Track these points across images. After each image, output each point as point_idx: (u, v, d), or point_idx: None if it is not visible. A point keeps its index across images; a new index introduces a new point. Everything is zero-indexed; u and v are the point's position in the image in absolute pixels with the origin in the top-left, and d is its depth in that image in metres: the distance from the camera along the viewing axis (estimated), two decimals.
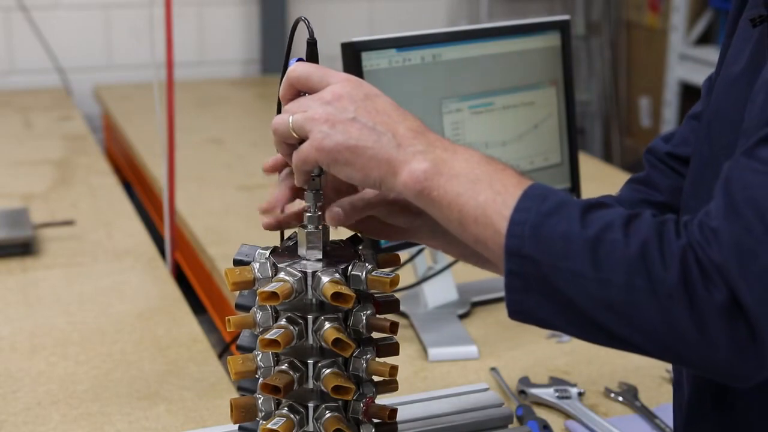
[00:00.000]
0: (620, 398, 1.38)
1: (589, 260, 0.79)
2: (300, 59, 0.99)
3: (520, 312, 0.86)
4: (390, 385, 1.06)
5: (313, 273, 0.99)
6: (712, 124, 1.00)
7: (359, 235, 1.06)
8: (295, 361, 1.00)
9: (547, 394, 1.36)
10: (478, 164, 0.88)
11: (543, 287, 0.82)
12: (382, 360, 1.03)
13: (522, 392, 1.38)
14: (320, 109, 0.90)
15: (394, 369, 1.03)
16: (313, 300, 1.00)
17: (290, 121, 0.92)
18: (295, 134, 0.92)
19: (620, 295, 0.79)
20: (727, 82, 0.98)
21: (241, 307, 1.04)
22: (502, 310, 1.70)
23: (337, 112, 0.89)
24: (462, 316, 1.62)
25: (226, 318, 1.00)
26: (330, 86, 0.92)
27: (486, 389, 1.25)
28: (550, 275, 0.81)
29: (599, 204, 0.83)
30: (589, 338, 0.85)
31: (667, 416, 1.30)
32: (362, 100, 0.90)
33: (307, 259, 1.01)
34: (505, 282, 0.84)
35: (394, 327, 1.01)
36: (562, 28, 1.66)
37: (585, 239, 0.80)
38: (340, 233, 1.09)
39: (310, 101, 0.92)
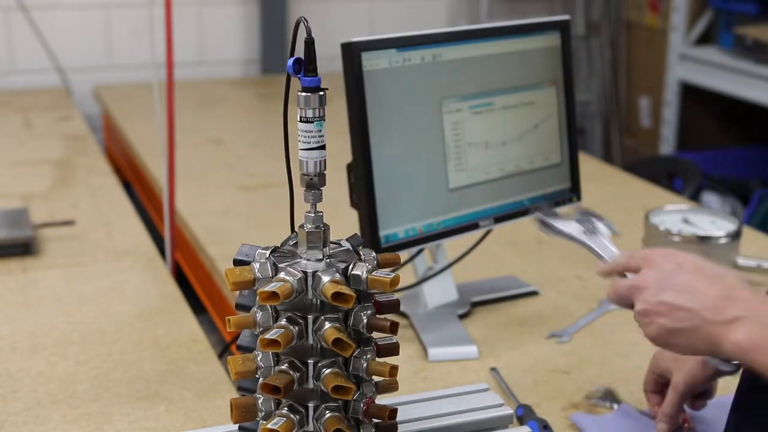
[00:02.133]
0: (607, 403, 1.36)
1: None
2: (298, 59, 0.99)
3: None
4: (390, 385, 1.06)
5: (314, 273, 0.99)
6: None
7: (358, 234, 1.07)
8: (295, 361, 1.00)
9: (572, 228, 1.24)
10: None
11: None
12: (382, 360, 1.03)
13: (544, 223, 1.25)
14: (639, 305, 1.05)
15: (394, 369, 1.03)
16: (314, 300, 1.00)
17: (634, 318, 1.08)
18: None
19: None
20: None
21: (241, 307, 1.04)
22: (502, 310, 1.71)
23: (647, 299, 1.04)
24: (462, 316, 1.62)
25: (226, 318, 1.01)
26: (641, 272, 1.06)
27: (486, 389, 1.25)
28: None
29: None
30: None
31: None
32: (666, 278, 1.03)
33: (307, 259, 1.01)
34: None
35: (394, 327, 1.01)
36: (562, 28, 1.66)
37: None
38: (339, 233, 1.09)
39: (632, 292, 1.07)
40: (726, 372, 1.13)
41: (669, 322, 1.01)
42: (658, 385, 1.27)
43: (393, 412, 1.03)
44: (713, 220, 1.84)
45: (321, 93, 1.00)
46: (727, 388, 1.28)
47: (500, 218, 1.61)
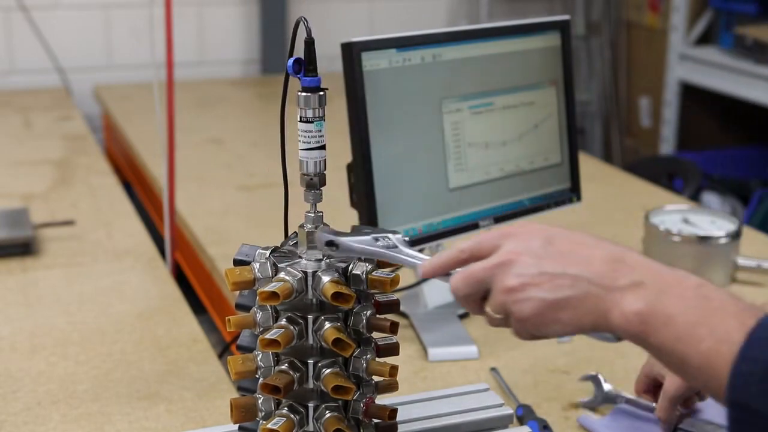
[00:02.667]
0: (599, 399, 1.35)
1: None
2: (298, 59, 0.99)
3: None
4: (390, 385, 1.06)
5: (314, 273, 0.99)
6: None
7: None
8: (295, 361, 1.00)
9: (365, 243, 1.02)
10: (694, 300, 0.82)
11: None
12: (382, 360, 1.03)
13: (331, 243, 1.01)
14: (511, 280, 0.87)
15: (394, 369, 1.03)
16: (314, 300, 1.00)
17: (488, 309, 0.90)
18: (499, 315, 0.89)
19: None
20: None
21: (241, 307, 1.04)
22: None
23: (522, 272, 0.86)
24: (462, 316, 1.62)
25: (226, 318, 1.01)
26: (502, 248, 0.89)
27: (486, 389, 1.25)
28: None
29: None
30: None
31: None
32: (541, 248, 0.87)
33: (307, 259, 1.01)
34: (729, 427, 0.78)
35: (394, 327, 1.01)
36: (562, 28, 1.66)
37: None
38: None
39: (496, 272, 0.88)
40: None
41: (550, 293, 0.84)
42: (650, 386, 1.26)
43: (393, 412, 1.03)
44: (713, 220, 1.84)
45: (321, 93, 1.00)
46: None
47: (500, 218, 1.61)
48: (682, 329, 0.81)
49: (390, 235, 1.00)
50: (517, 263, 0.87)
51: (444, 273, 0.94)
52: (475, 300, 0.91)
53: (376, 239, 0.99)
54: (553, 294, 0.85)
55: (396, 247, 0.99)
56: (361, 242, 0.98)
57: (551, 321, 0.86)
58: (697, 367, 0.80)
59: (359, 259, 1.02)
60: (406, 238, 1.01)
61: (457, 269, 0.92)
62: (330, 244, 0.98)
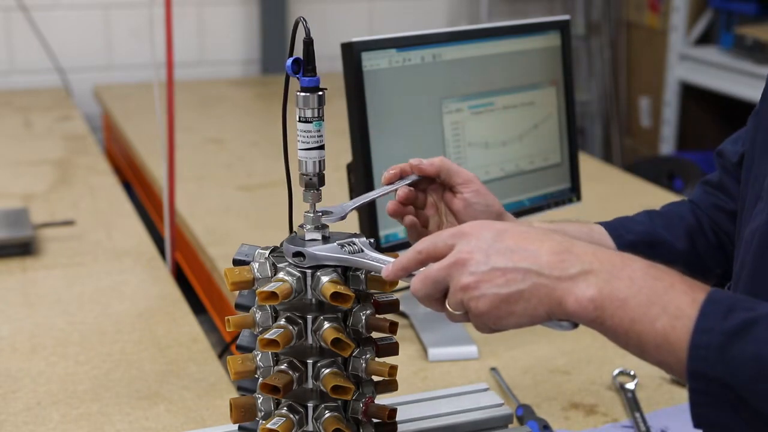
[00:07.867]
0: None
1: None
2: (297, 59, 0.99)
3: (707, 425, 0.82)
4: (390, 385, 1.06)
5: (313, 273, 0.99)
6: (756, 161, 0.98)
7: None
8: (295, 360, 1.00)
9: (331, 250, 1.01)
10: (644, 281, 0.84)
11: (737, 407, 0.78)
12: (381, 360, 1.03)
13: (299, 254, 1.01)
14: (465, 278, 0.89)
15: (393, 369, 1.03)
16: (313, 300, 1.00)
17: (448, 306, 0.92)
18: (459, 312, 0.92)
19: None
20: None
21: (240, 307, 1.04)
22: None
23: (475, 269, 0.89)
24: None
25: (226, 318, 1.01)
26: (456, 248, 0.91)
27: (486, 389, 1.25)
28: (747, 397, 0.77)
29: None
30: None
31: (664, 423, 1.30)
32: (492, 245, 0.89)
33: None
34: (690, 399, 0.81)
35: (393, 327, 1.01)
36: (562, 28, 1.66)
37: None
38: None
39: (451, 271, 0.91)
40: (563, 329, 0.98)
41: (503, 287, 0.87)
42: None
43: (392, 411, 1.03)
44: None
45: (320, 93, 1.00)
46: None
47: None
48: (636, 310, 0.83)
49: (355, 240, 1.01)
50: (470, 262, 0.89)
51: (406, 275, 0.96)
52: (436, 299, 0.94)
53: (342, 245, 1.00)
54: (505, 288, 0.88)
55: (362, 251, 1.00)
56: (326, 250, 1.00)
57: (506, 314, 0.89)
58: (654, 346, 0.82)
59: None
60: (371, 241, 1.02)
61: (419, 270, 0.95)
62: (297, 254, 0.99)
